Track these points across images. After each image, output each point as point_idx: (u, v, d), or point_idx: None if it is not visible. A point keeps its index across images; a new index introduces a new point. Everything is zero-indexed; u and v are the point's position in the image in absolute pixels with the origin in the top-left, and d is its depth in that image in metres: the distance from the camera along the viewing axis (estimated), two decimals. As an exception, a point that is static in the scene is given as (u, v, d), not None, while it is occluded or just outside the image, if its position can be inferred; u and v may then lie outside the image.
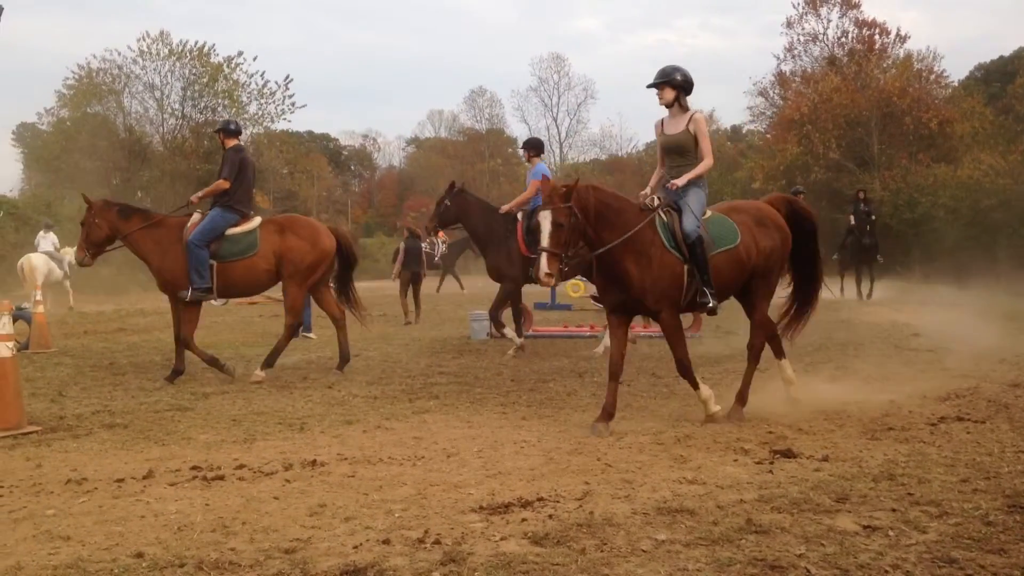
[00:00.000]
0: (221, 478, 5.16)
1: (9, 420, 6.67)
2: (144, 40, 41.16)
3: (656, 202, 6.56)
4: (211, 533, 4.14)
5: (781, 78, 44.22)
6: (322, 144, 68.73)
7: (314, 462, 5.49)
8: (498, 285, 11.29)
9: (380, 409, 7.44)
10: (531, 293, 13.86)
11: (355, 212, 66.18)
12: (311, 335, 13.91)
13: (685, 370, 6.59)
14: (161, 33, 41.51)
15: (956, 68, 63.35)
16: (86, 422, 7.02)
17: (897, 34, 40.78)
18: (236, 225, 9.23)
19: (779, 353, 7.32)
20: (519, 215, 10.93)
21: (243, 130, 10.11)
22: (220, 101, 42.58)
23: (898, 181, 34.23)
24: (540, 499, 4.59)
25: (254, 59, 43.45)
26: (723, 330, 13.71)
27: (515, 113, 79.91)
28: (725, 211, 6.95)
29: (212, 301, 9.62)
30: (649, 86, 6.90)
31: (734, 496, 4.61)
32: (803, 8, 42.80)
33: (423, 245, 27.15)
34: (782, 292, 7.67)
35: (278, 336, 9.93)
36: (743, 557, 3.70)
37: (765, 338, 7.14)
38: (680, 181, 6.64)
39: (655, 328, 13.34)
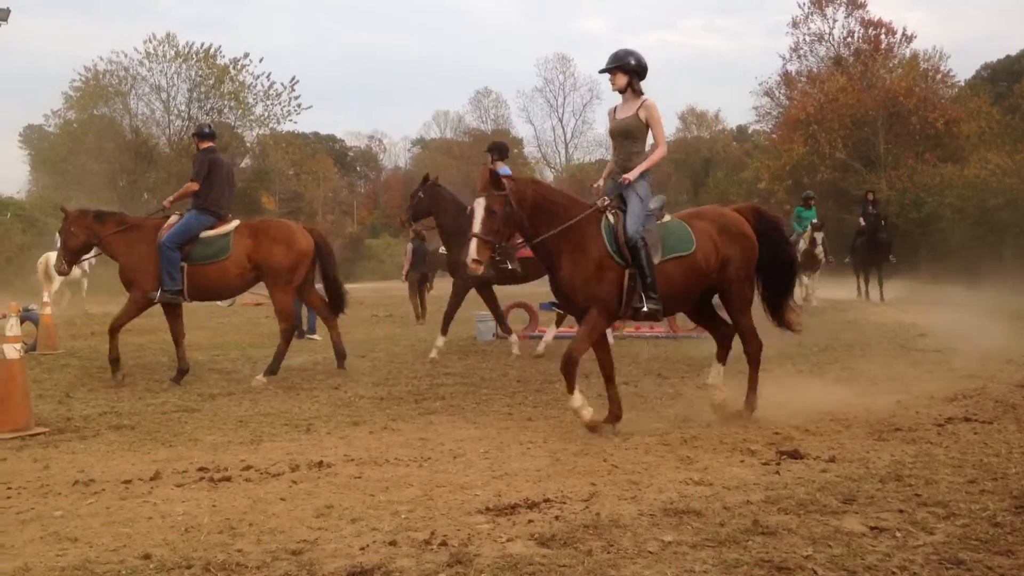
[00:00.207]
0: (228, 479, 5.16)
1: (17, 421, 6.69)
2: (151, 42, 41.33)
3: (606, 202, 6.40)
4: (218, 534, 4.15)
5: (787, 78, 44.22)
6: (328, 145, 68.86)
7: (320, 463, 5.50)
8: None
9: (386, 410, 7.45)
10: (536, 294, 13.85)
11: (361, 213, 66.30)
12: (316, 337, 13.93)
13: (568, 364, 6.24)
14: (167, 35, 41.67)
15: (962, 68, 63.12)
16: (93, 423, 7.04)
17: (903, 34, 40.81)
18: (212, 228, 9.19)
19: (721, 358, 7.07)
20: None
21: (217, 134, 10.09)
22: (226, 103, 42.74)
23: (904, 181, 34.16)
24: (546, 500, 4.59)
25: (260, 61, 43.62)
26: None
27: (520, 114, 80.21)
28: (686, 218, 6.80)
29: (219, 304, 9.62)
30: (602, 71, 6.73)
31: (741, 497, 4.60)
32: (809, 8, 42.83)
33: (441, 249, 27.35)
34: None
35: (277, 336, 9.93)
36: (750, 558, 3.70)
37: (758, 342, 6.99)
38: (632, 175, 6.43)
39: (660, 328, 13.35)
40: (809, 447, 5.68)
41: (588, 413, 6.32)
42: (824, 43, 43.05)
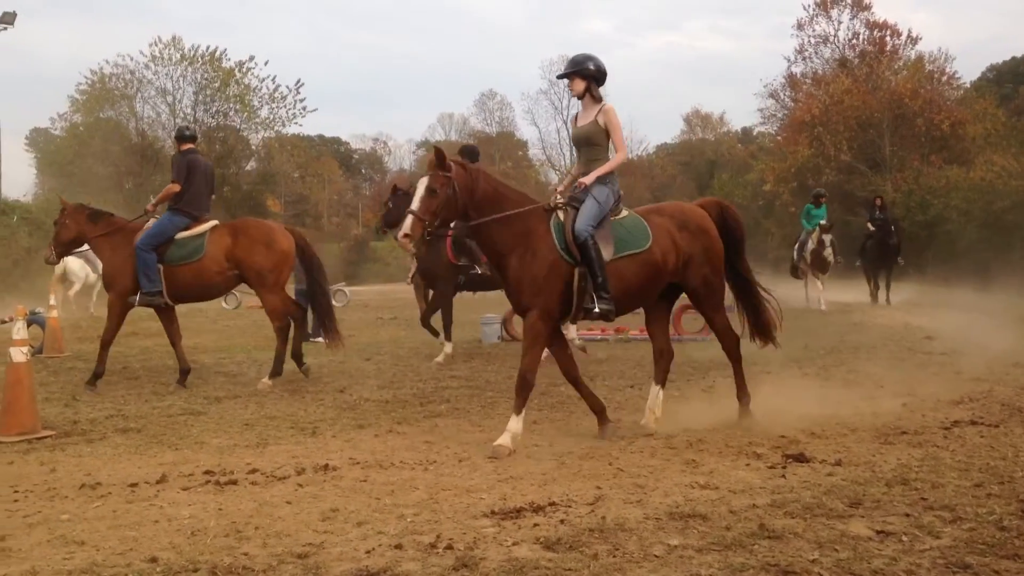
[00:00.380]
0: (234, 483, 5.17)
1: (24, 424, 6.71)
2: (156, 45, 41.51)
3: (557, 200, 6.27)
4: (224, 538, 4.16)
5: (792, 80, 44.17)
6: (333, 148, 68.97)
7: (326, 466, 5.51)
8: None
9: (392, 413, 7.45)
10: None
11: (366, 215, 66.29)
12: (320, 339, 13.93)
13: (522, 385, 6.01)
14: (173, 38, 41.88)
15: (968, 69, 63.14)
16: (100, 426, 7.05)
17: (908, 35, 40.76)
18: (187, 229, 9.16)
19: (659, 379, 6.81)
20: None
21: (196, 135, 10.09)
22: (232, 106, 42.90)
23: (910, 183, 34.10)
24: (552, 504, 4.59)
25: (265, 64, 43.83)
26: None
27: (525, 116, 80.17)
28: (644, 213, 6.61)
29: (224, 305, 9.59)
30: (559, 76, 6.58)
31: (747, 501, 4.60)
32: (814, 10, 42.79)
33: None
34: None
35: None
36: (756, 562, 3.69)
37: (734, 336, 6.91)
38: (588, 179, 6.29)
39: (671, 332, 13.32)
40: (815, 451, 5.68)
41: (508, 439, 5.84)
42: (829, 45, 43.03)
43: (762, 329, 7.17)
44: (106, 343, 9.23)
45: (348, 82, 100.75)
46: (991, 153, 33.21)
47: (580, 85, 6.48)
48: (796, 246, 19.68)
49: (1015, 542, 3.89)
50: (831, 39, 42.83)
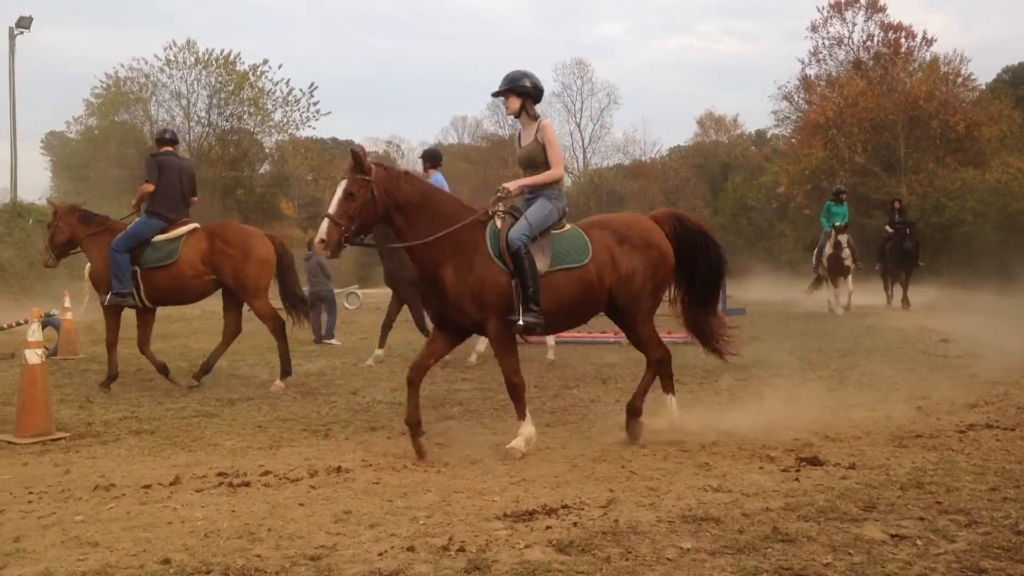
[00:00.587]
0: (247, 484, 5.19)
1: (38, 426, 6.74)
2: (171, 49, 41.68)
3: (495, 208, 6.09)
4: (237, 539, 4.17)
5: (806, 82, 44.00)
6: (346, 151, 69.01)
7: (339, 469, 5.52)
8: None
9: (404, 415, 7.44)
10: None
11: (379, 218, 66.29)
12: (335, 341, 13.98)
13: (513, 390, 6.00)
14: (188, 42, 42.01)
15: (983, 71, 62.66)
16: (114, 428, 7.09)
17: (923, 37, 40.56)
18: (164, 232, 9.16)
19: (667, 389, 6.60)
20: None
21: (176, 139, 10.10)
22: (246, 109, 43.05)
23: (925, 185, 33.95)
24: (564, 506, 4.59)
25: (279, 67, 43.73)
26: (747, 336, 13.64)
27: (538, 119, 79.81)
28: (588, 226, 6.36)
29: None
30: (494, 95, 6.36)
31: (760, 504, 4.58)
32: (828, 12, 42.67)
33: None
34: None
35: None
36: (769, 566, 3.68)
37: (664, 349, 6.49)
38: (511, 185, 6.16)
39: (680, 335, 13.29)
40: (829, 454, 5.65)
41: (522, 443, 5.88)
42: (843, 47, 42.89)
43: (710, 345, 6.88)
44: (111, 345, 9.32)
45: (361, 85, 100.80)
46: (1007, 155, 33.09)
47: (515, 103, 6.27)
48: (815, 251, 19.25)
49: (1031, 546, 3.86)
50: (845, 41, 42.74)
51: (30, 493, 5.10)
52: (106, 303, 9.16)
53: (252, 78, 42.63)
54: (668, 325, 14.52)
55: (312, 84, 44.22)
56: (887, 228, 20.47)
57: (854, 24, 42.23)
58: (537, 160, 6.21)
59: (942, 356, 10.71)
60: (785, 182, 39.48)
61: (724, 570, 3.66)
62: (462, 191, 56.98)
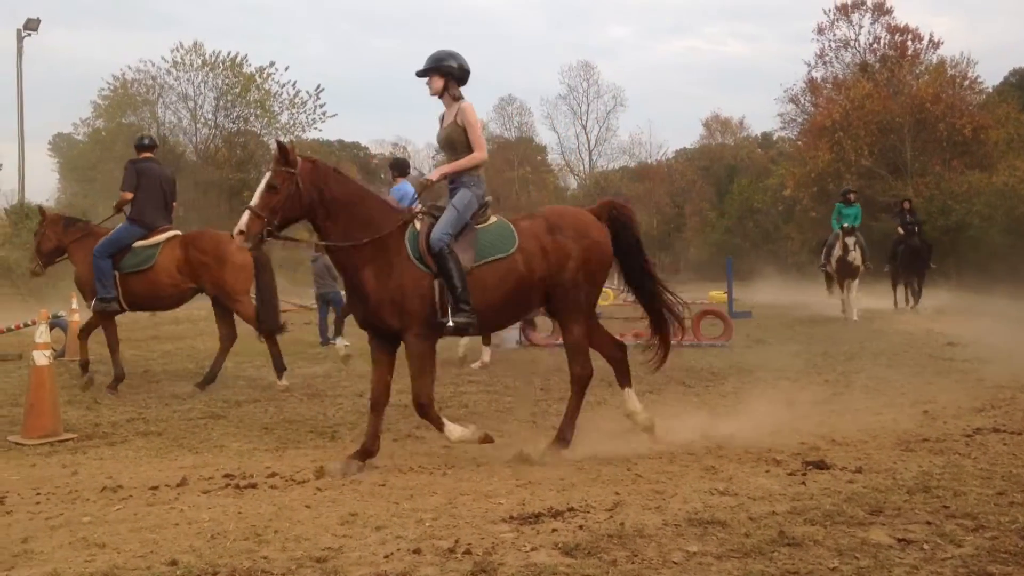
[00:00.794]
0: (253, 486, 5.20)
1: (46, 427, 6.77)
2: (178, 51, 41.81)
3: (417, 208, 5.98)
4: (244, 541, 4.17)
5: (812, 85, 44.01)
6: (352, 153, 69.14)
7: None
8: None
9: (410, 418, 7.44)
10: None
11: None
12: (339, 342, 13.97)
13: (423, 411, 5.77)
14: (195, 44, 42.14)
15: (990, 74, 62.42)
16: (121, 429, 7.11)
17: (930, 40, 40.55)
18: (144, 238, 9.23)
19: (624, 383, 6.37)
20: None
21: (156, 144, 10.10)
22: (252, 111, 43.15)
23: (931, 188, 33.89)
24: (570, 509, 4.59)
25: (286, 69, 43.89)
26: (753, 338, 13.66)
27: (544, 121, 79.65)
28: (519, 217, 6.17)
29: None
30: (418, 73, 6.11)
31: (766, 508, 4.57)
32: (834, 14, 42.67)
33: None
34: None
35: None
36: (775, 570, 3.68)
37: (587, 366, 6.18)
38: (434, 176, 6.01)
39: (686, 337, 13.29)
40: (835, 457, 5.64)
41: (467, 432, 5.81)
42: (850, 49, 42.93)
43: (663, 340, 6.56)
44: (112, 347, 9.38)
45: (367, 87, 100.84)
46: (1014, 158, 33.02)
47: (438, 83, 6.07)
48: (823, 252, 18.71)
49: (1038, 551, 3.85)
50: (852, 44, 42.78)
51: (38, 494, 5.12)
52: (92, 309, 9.23)
53: (259, 80, 42.78)
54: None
55: (319, 86, 44.32)
56: (900, 230, 20.04)
57: (860, 26, 42.33)
58: (457, 143, 6.02)
59: (949, 360, 10.68)
60: (791, 185, 39.45)
61: (730, 574, 3.65)
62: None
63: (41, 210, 10.33)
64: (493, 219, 6.04)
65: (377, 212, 5.80)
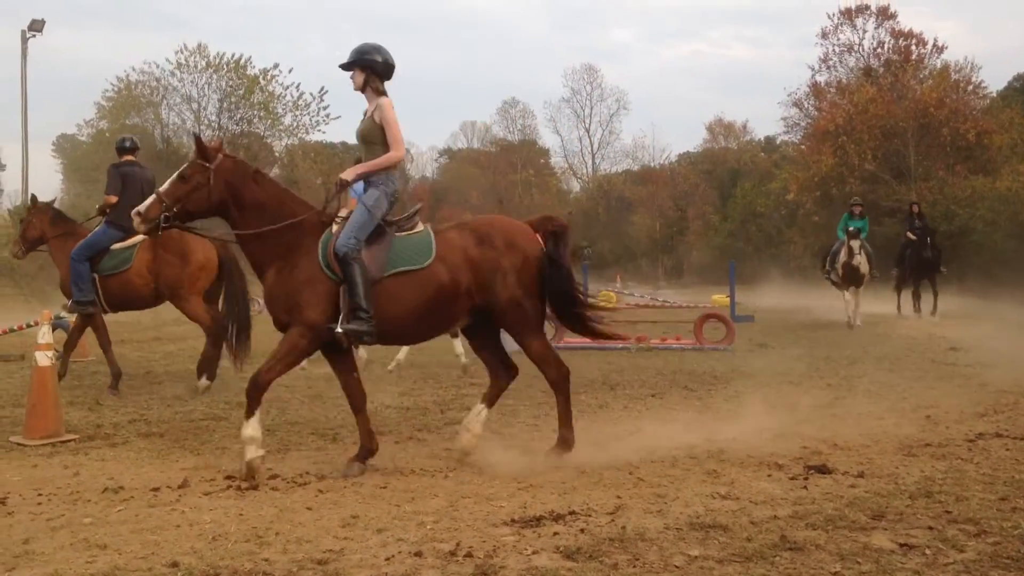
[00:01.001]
0: (255, 488, 5.20)
1: (48, 428, 6.76)
2: (182, 53, 41.83)
3: (336, 211, 5.87)
4: (245, 543, 4.17)
5: (816, 89, 43.95)
6: (356, 155, 69.13)
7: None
8: None
9: (411, 420, 7.47)
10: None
11: (388, 222, 66.35)
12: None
13: (253, 390, 5.55)
14: (199, 46, 42.15)
15: (994, 79, 62.35)
16: (123, 431, 7.11)
17: (934, 44, 40.49)
18: (122, 241, 9.25)
19: (488, 399, 6.20)
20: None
21: (137, 146, 10.18)
22: (256, 113, 43.14)
23: (935, 193, 33.82)
24: (572, 513, 4.58)
25: (289, 71, 43.96)
26: (755, 342, 13.65)
27: (547, 124, 79.70)
28: (446, 228, 6.01)
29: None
30: (341, 66, 6.00)
31: (768, 512, 4.57)
32: (838, 19, 42.67)
33: None
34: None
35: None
36: (777, 574, 3.67)
37: (562, 368, 6.07)
38: (348, 175, 5.88)
39: (688, 341, 13.32)
40: (837, 462, 5.64)
41: (253, 451, 5.48)
42: (854, 54, 42.90)
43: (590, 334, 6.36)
44: (104, 346, 9.43)
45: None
46: (1017, 163, 32.95)
47: (360, 77, 5.93)
48: (828, 257, 18.25)
49: (1041, 557, 3.84)
50: (856, 48, 42.75)
51: (39, 495, 5.12)
52: (68, 311, 9.26)
53: (263, 82, 42.76)
54: (676, 331, 14.58)
55: (322, 88, 44.22)
56: (908, 235, 19.46)
57: (864, 31, 42.30)
58: (373, 139, 5.90)
59: (951, 365, 10.67)
60: (794, 189, 39.43)
61: (732, 578, 3.65)
62: (471, 195, 57.06)
63: (33, 198, 10.45)
64: (420, 228, 5.91)
65: (293, 214, 5.72)
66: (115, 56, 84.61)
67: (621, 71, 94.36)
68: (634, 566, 3.80)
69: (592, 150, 66.19)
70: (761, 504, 4.73)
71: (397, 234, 5.79)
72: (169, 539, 4.25)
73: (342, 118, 45.41)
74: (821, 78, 43.87)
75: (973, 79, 39.20)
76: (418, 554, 3.97)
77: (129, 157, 9.76)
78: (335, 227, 5.70)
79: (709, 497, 4.89)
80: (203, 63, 42.15)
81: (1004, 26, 75.86)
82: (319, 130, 45.26)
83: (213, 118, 42.74)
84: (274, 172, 46.04)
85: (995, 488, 4.99)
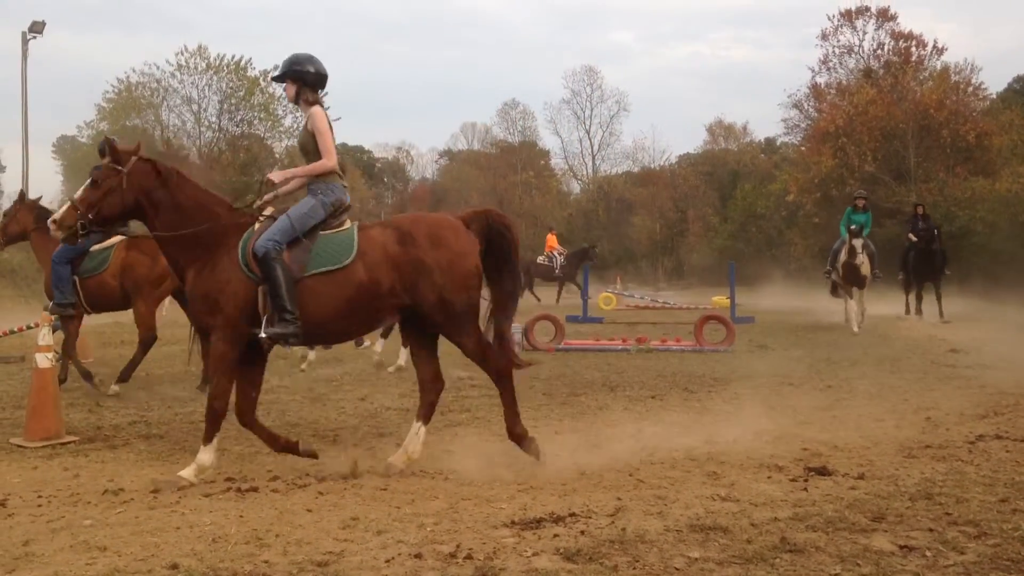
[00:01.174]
0: (255, 490, 5.20)
1: (48, 430, 6.77)
2: (182, 54, 41.91)
3: (260, 211, 5.79)
4: (245, 545, 4.17)
5: (816, 90, 44.03)
6: (356, 156, 69.22)
7: (347, 475, 5.52)
8: None
9: (411, 422, 7.45)
10: (562, 307, 13.84)
11: (388, 224, 66.31)
12: (367, 343, 13.98)
13: (210, 414, 5.53)
14: (199, 47, 42.25)
15: (994, 80, 62.35)
16: (123, 432, 7.11)
17: (934, 46, 40.53)
18: (100, 242, 9.30)
19: (422, 415, 6.05)
20: None
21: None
22: (256, 114, 43.23)
23: (935, 194, 33.80)
24: (572, 514, 4.58)
25: (290, 72, 43.78)
26: (755, 344, 13.65)
27: (548, 126, 79.63)
28: (370, 225, 5.88)
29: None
30: (274, 79, 5.96)
31: (768, 514, 4.56)
32: (838, 20, 42.71)
33: (540, 258, 27.46)
34: None
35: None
36: (777, 576, 3.67)
37: (499, 361, 5.87)
38: (276, 176, 5.85)
39: (688, 342, 13.31)
40: (838, 464, 5.63)
41: (193, 473, 5.41)
42: (854, 55, 42.96)
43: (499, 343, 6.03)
44: (67, 350, 9.49)
45: (371, 91, 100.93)
46: (1017, 165, 32.98)
47: (291, 89, 5.91)
48: (829, 257, 17.68)
49: (1041, 559, 3.84)
50: (856, 49, 42.80)
51: (39, 497, 5.12)
52: (49, 311, 9.27)
53: (263, 83, 42.81)
54: (676, 333, 14.58)
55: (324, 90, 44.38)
56: (911, 236, 19.14)
57: (864, 32, 42.37)
58: (308, 149, 5.84)
59: (952, 366, 10.67)
60: (794, 190, 39.45)
61: (732, 580, 3.65)
62: (471, 197, 56.99)
63: (22, 194, 10.53)
64: (346, 225, 5.78)
65: (213, 215, 5.67)
66: (115, 58, 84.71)
67: (621, 73, 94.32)
68: (634, 568, 3.80)
69: (592, 151, 66.20)
70: (761, 506, 4.73)
71: (321, 232, 5.69)
72: (169, 541, 4.25)
73: (342, 119, 45.40)
74: (821, 80, 44.02)
75: (973, 81, 39.30)
76: (418, 556, 3.96)
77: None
78: (257, 226, 5.64)
79: (709, 499, 4.89)
80: (203, 64, 42.29)
81: (1004, 28, 75.88)
82: (319, 131, 45.23)
83: (213, 119, 42.88)
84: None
85: (995, 490, 4.98)
